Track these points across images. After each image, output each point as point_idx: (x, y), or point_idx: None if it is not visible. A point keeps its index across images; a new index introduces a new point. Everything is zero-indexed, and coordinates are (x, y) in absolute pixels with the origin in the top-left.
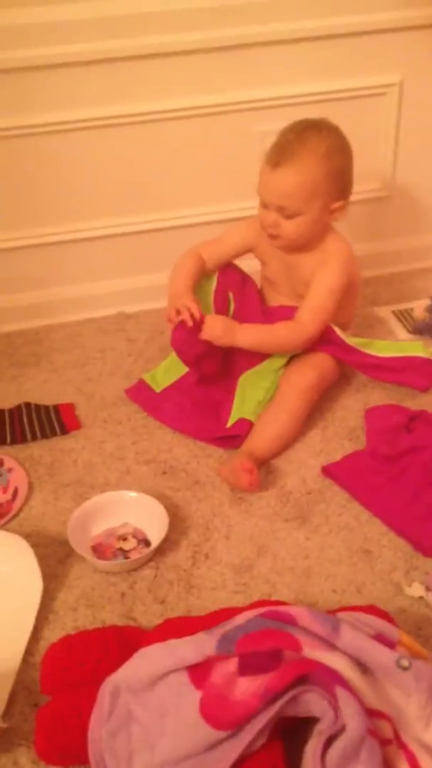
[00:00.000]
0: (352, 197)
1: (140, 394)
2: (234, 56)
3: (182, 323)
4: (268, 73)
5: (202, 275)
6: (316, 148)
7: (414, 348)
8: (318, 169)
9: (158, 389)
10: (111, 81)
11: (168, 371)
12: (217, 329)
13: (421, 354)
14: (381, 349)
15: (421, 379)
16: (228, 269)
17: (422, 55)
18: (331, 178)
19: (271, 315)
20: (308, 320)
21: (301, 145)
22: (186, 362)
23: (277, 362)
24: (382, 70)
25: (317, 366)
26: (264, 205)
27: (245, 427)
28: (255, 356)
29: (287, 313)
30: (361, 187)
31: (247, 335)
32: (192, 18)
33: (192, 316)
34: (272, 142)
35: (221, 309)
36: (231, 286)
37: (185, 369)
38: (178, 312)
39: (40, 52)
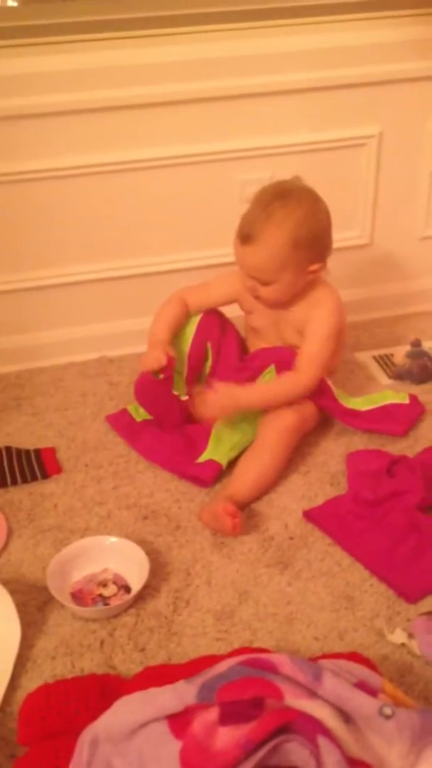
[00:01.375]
0: (334, 245)
1: (119, 421)
2: (216, 107)
3: (146, 374)
4: (250, 123)
5: (184, 320)
6: (282, 222)
7: (385, 397)
8: (285, 243)
9: (138, 419)
10: (93, 130)
11: None
12: (218, 403)
13: (395, 401)
14: (356, 405)
15: (397, 425)
16: (209, 317)
17: (400, 108)
18: (301, 248)
19: (250, 361)
20: (306, 369)
21: (268, 220)
22: (147, 410)
23: None
24: (362, 121)
25: (297, 409)
26: (241, 269)
27: (212, 469)
28: None
29: (267, 355)
30: (341, 235)
31: (251, 398)
32: (174, 70)
33: (161, 367)
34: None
35: (196, 358)
36: (210, 336)
37: None
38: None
39: (23, 102)
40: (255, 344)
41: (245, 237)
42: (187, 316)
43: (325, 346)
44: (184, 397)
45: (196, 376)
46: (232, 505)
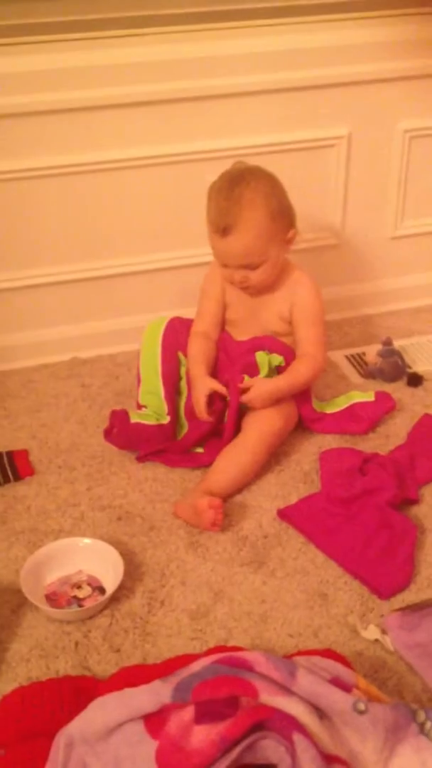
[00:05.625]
0: (304, 245)
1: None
2: (187, 108)
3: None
4: (220, 124)
5: (210, 348)
6: (253, 200)
7: (350, 398)
8: (263, 219)
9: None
10: (64, 131)
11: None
12: (261, 400)
13: (360, 399)
14: (322, 408)
15: (359, 424)
16: (171, 326)
17: (369, 109)
18: (276, 219)
19: (245, 345)
20: (315, 351)
21: (239, 206)
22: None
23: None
24: (331, 123)
25: (284, 413)
26: (225, 266)
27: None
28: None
29: (251, 345)
30: (311, 235)
31: (283, 389)
32: (146, 70)
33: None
34: (209, 205)
35: (169, 373)
36: (178, 343)
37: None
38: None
39: None
40: (235, 335)
41: (224, 229)
42: (210, 341)
43: (321, 325)
44: (165, 420)
45: (174, 389)
46: (217, 498)
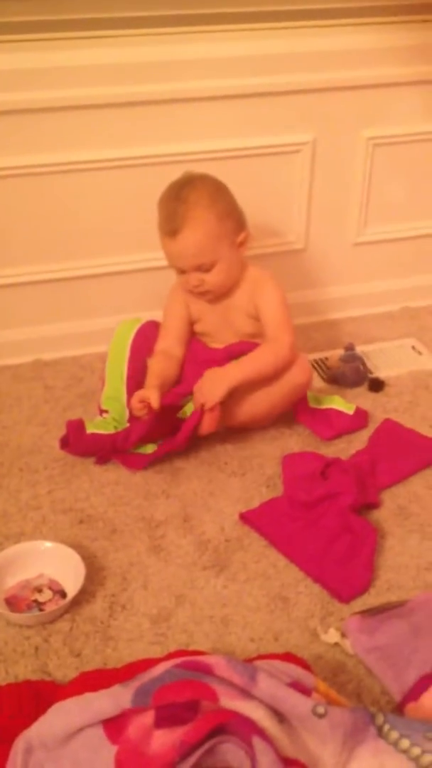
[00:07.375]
0: (270, 249)
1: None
2: (155, 111)
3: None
4: (189, 128)
5: (170, 366)
6: (199, 201)
7: (333, 401)
8: (210, 217)
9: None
10: (30, 131)
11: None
12: (205, 389)
13: (340, 408)
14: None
15: (327, 429)
16: (142, 332)
17: (332, 116)
18: (224, 219)
19: (216, 357)
20: (281, 335)
21: (186, 205)
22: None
23: None
24: (296, 128)
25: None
26: (182, 272)
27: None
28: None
29: (231, 350)
30: (277, 240)
31: (243, 373)
32: (112, 73)
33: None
34: (159, 212)
35: (134, 378)
36: (149, 350)
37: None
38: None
39: None
40: (209, 344)
41: (173, 231)
42: (173, 359)
43: (284, 311)
44: (123, 428)
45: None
46: (211, 407)
